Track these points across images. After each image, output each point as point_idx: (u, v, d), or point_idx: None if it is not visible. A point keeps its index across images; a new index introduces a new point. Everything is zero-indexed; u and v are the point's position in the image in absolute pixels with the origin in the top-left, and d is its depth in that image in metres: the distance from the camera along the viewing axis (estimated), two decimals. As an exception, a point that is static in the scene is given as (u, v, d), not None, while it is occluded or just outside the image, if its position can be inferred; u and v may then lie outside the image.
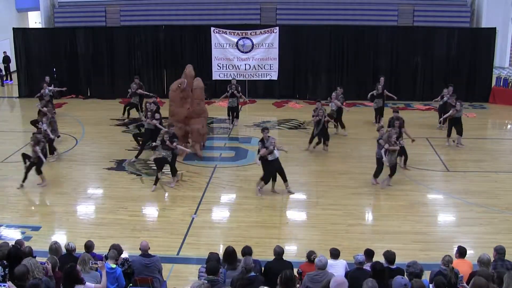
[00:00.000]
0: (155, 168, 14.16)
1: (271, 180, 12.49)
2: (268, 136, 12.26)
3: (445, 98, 16.70)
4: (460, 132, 15.52)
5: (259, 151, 12.27)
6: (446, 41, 20.64)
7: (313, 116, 14.99)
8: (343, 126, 16.77)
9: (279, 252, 7.73)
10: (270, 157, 12.16)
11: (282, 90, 21.60)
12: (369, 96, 17.46)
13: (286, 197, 12.53)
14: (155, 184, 12.92)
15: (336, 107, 16.37)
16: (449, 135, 15.74)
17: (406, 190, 12.82)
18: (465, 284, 7.09)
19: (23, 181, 12.98)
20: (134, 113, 18.76)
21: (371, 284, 6.13)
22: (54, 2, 24.80)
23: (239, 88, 18.08)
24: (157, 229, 11.13)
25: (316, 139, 15.28)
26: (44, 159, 12.95)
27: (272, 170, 12.35)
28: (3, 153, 15.46)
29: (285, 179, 12.49)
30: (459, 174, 13.93)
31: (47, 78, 19.13)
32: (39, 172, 12.98)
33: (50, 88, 18.62)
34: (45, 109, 15.65)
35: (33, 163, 12.91)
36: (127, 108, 18.60)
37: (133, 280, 7.90)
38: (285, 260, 7.76)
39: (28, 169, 12.99)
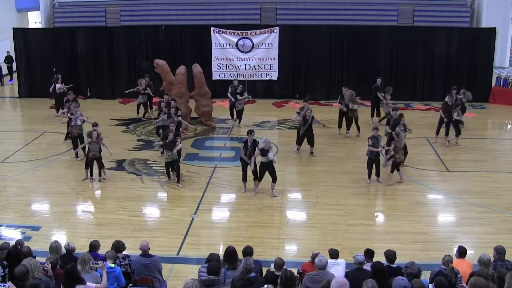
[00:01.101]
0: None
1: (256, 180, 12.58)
2: (254, 139, 12.36)
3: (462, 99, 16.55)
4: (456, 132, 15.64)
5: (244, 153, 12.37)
6: (446, 41, 20.62)
7: (298, 113, 14.89)
8: (349, 127, 16.76)
9: (280, 264, 7.43)
10: (263, 159, 12.26)
11: (282, 90, 21.59)
12: (384, 101, 17.32)
13: (286, 197, 12.53)
14: (178, 181, 13.06)
15: (358, 106, 16.43)
16: (446, 133, 15.78)
17: (406, 190, 12.83)
18: (464, 284, 7.08)
19: (91, 174, 13.39)
20: (135, 114, 18.80)
21: (371, 284, 6.12)
22: (54, 2, 24.80)
23: (241, 88, 18.05)
24: (157, 229, 11.13)
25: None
26: (110, 151, 13.49)
27: (244, 166, 12.51)
28: (3, 153, 15.46)
29: (274, 180, 12.48)
30: (459, 174, 13.93)
31: (59, 76, 19.30)
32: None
33: (60, 86, 18.67)
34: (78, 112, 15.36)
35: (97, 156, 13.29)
36: (139, 107, 18.69)
37: (133, 280, 7.92)
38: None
39: (92, 164, 13.34)
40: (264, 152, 12.13)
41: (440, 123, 15.80)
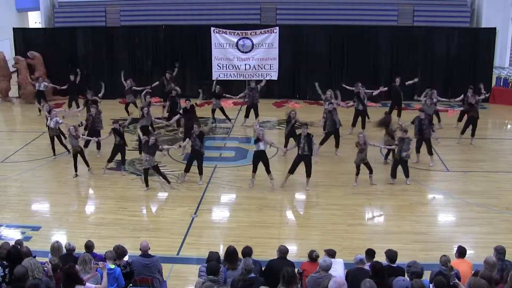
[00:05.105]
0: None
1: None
2: (307, 133, 12.66)
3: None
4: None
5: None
6: (446, 41, 20.62)
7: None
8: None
9: (284, 251, 7.68)
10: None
11: (282, 90, 21.59)
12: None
13: (286, 197, 12.53)
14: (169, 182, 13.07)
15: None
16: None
17: (406, 190, 12.83)
18: (457, 281, 7.03)
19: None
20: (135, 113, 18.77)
21: (369, 284, 6.12)
22: (54, 2, 24.77)
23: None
24: (157, 229, 11.14)
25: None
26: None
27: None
28: (3, 153, 15.46)
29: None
30: (459, 174, 13.93)
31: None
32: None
33: (45, 83, 18.76)
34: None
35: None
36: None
37: (133, 280, 7.91)
38: (288, 260, 7.75)
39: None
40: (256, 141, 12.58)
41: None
